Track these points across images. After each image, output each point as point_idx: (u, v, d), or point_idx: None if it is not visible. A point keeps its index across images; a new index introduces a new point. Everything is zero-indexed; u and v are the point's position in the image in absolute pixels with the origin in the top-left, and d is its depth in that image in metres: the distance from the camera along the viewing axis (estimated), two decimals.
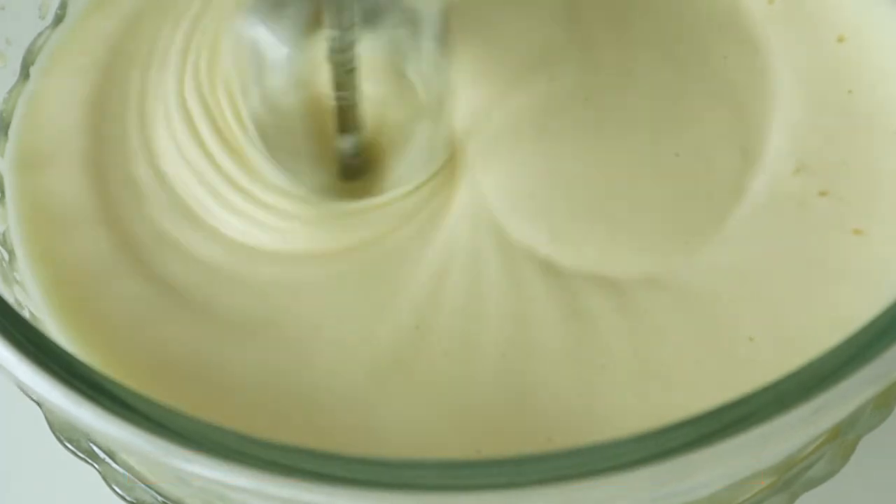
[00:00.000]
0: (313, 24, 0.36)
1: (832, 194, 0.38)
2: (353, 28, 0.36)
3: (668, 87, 0.40)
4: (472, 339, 0.35)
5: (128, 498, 0.36)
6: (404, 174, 0.39)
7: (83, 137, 0.40)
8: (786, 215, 0.37)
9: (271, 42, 0.36)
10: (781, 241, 0.37)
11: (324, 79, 0.37)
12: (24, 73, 0.41)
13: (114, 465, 0.35)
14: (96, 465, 0.36)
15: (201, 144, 0.39)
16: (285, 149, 0.39)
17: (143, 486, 0.35)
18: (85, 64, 0.41)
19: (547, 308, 0.36)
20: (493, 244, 0.37)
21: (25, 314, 0.35)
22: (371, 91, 0.38)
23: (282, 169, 0.38)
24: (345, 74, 0.37)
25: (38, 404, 0.36)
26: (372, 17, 0.37)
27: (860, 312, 0.29)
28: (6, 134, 0.40)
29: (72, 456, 0.36)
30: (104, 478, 0.36)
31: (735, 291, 0.36)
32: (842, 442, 0.35)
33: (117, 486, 0.36)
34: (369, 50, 0.37)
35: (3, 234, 0.38)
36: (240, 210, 0.38)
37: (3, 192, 0.39)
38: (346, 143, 0.39)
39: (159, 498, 0.35)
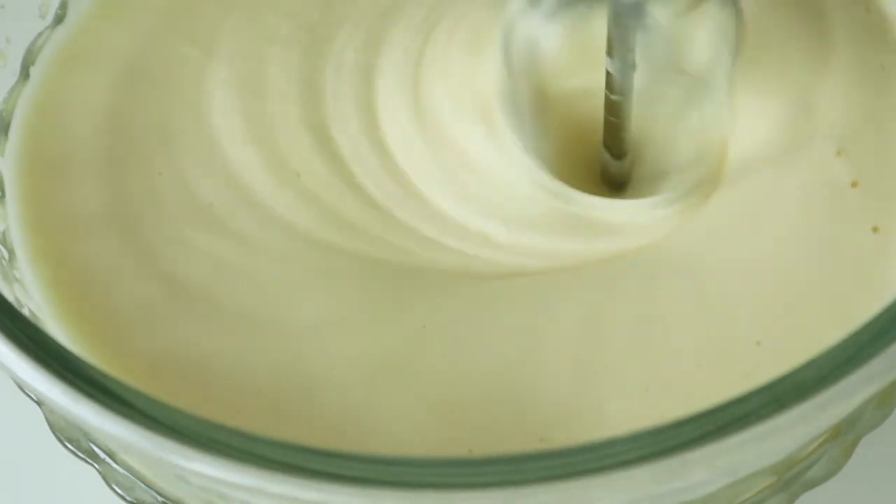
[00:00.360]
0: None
1: (861, 186, 0.37)
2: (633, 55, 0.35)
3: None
4: (475, 338, 0.35)
5: (128, 498, 0.36)
6: (659, 186, 0.39)
7: (99, 144, 0.40)
8: (818, 205, 0.37)
9: (548, 39, 0.37)
10: (806, 235, 0.37)
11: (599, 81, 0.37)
12: (25, 73, 0.41)
13: (114, 465, 0.35)
14: (96, 465, 0.36)
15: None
16: (545, 145, 0.39)
17: (143, 485, 0.35)
18: (102, 71, 0.42)
19: (559, 308, 0.36)
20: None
21: (25, 313, 0.35)
22: (645, 89, 0.37)
23: (540, 166, 0.38)
24: (620, 92, 0.36)
25: (38, 404, 0.36)
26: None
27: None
28: (6, 134, 0.40)
29: (72, 456, 0.36)
30: (104, 478, 0.36)
31: (748, 290, 0.36)
32: (842, 442, 0.35)
33: (117, 486, 0.36)
34: (648, 47, 0.36)
35: (3, 234, 0.38)
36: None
37: (3, 192, 0.39)
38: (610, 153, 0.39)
39: (159, 498, 0.35)
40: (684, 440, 0.26)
